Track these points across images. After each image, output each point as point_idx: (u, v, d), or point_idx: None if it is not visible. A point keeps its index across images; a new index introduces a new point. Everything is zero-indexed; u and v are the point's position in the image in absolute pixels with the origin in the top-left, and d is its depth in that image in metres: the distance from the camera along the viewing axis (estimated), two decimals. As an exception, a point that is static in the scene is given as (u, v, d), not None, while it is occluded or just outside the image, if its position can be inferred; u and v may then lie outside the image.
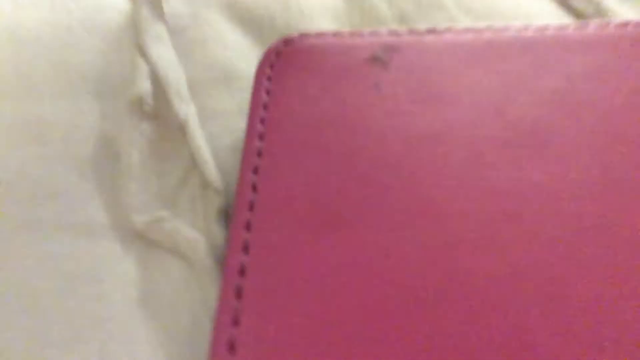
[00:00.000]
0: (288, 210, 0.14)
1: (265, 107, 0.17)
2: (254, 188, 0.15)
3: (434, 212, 0.14)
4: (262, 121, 0.16)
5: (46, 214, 0.16)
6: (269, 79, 0.17)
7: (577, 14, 0.23)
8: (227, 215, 0.17)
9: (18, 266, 0.15)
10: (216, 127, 0.18)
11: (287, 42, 0.18)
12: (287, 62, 0.18)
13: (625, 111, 0.16)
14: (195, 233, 0.16)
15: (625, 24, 0.18)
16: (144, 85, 0.19)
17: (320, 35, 0.18)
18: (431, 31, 0.18)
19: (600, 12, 0.23)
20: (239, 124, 0.18)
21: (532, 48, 0.18)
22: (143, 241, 0.16)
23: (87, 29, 0.21)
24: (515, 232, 0.14)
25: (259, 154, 0.15)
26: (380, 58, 0.17)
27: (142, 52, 0.19)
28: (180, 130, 0.18)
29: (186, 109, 0.18)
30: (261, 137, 0.16)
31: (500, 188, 0.15)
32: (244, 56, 0.20)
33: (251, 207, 0.14)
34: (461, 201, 0.15)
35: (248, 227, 0.14)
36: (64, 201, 0.17)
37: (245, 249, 0.14)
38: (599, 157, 0.15)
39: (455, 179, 0.15)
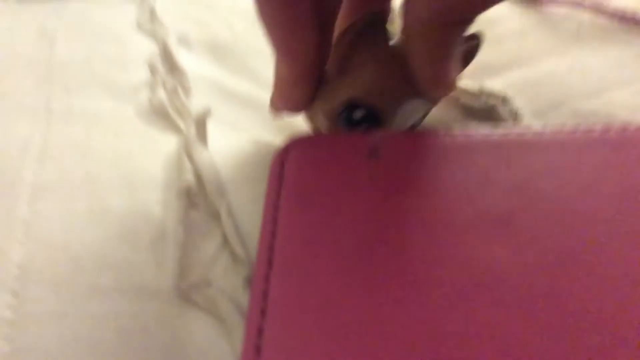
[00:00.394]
0: (299, 280, 0.17)
1: (277, 201, 0.20)
2: (269, 262, 0.18)
3: (419, 282, 0.17)
4: (276, 209, 0.20)
5: (107, 280, 0.20)
6: (280, 177, 0.20)
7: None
8: None
9: (86, 323, 0.19)
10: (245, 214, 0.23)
11: (296, 141, 0.21)
12: (294, 161, 0.21)
13: (576, 200, 0.19)
14: (226, 296, 0.20)
15: (575, 129, 0.21)
16: (190, 181, 0.23)
17: (323, 136, 0.22)
18: (415, 132, 0.22)
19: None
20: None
21: (498, 147, 0.21)
22: (185, 303, 0.20)
23: (141, 136, 0.26)
24: (480, 298, 0.17)
25: (273, 236, 0.19)
26: (374, 154, 0.20)
27: (189, 157, 0.24)
28: (215, 216, 0.22)
29: (220, 201, 0.22)
30: (274, 222, 0.19)
31: (471, 262, 0.18)
32: None
33: (267, 279, 0.18)
34: (438, 273, 0.18)
35: (265, 296, 0.17)
36: (122, 270, 0.20)
37: (263, 313, 0.17)
38: (554, 237, 0.18)
39: (434, 255, 0.18)
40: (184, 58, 0.30)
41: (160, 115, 0.27)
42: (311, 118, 0.23)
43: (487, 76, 0.30)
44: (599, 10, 0.34)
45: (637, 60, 0.30)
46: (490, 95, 0.29)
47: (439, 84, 0.20)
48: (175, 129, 0.26)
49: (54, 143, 0.26)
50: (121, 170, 0.24)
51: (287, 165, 0.21)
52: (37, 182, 0.24)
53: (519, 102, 0.29)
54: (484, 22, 0.21)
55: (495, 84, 0.29)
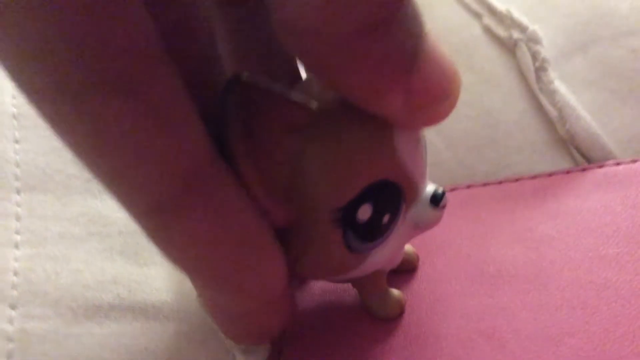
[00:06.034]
0: None
1: None
2: None
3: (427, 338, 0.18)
4: None
5: (109, 297, 0.20)
6: None
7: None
8: None
9: (88, 344, 0.19)
10: None
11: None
12: None
13: (581, 241, 0.19)
14: None
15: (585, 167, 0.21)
16: None
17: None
18: None
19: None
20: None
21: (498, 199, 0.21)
22: (188, 321, 0.20)
23: None
24: (486, 347, 0.17)
25: None
26: None
27: None
28: None
29: None
30: None
31: (478, 313, 0.18)
32: None
33: None
34: (446, 325, 0.18)
35: None
36: (124, 286, 0.20)
37: None
38: (553, 283, 0.18)
39: (444, 308, 0.18)
40: None
41: None
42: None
43: None
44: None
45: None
46: (517, 25, 0.27)
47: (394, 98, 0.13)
48: None
49: None
50: None
51: None
52: (21, 159, 0.22)
53: (543, 35, 0.26)
54: None
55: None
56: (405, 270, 0.19)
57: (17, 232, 0.20)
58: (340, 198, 0.14)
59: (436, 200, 0.16)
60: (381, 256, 0.16)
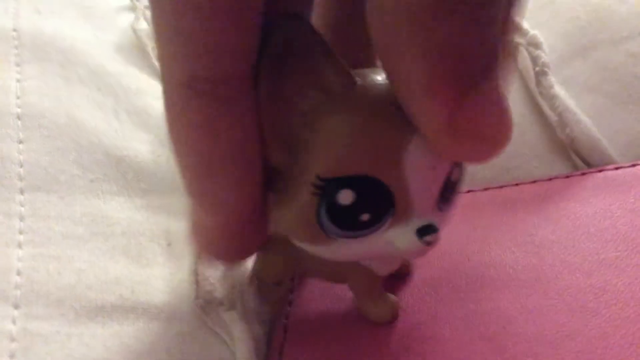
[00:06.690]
0: None
1: None
2: None
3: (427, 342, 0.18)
4: None
5: (112, 298, 0.20)
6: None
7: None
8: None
9: (91, 345, 0.19)
10: None
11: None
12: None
13: (580, 245, 0.19)
14: (237, 316, 0.19)
15: (585, 172, 0.21)
16: None
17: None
18: None
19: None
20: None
21: (497, 203, 0.21)
22: (189, 322, 0.20)
23: (137, 125, 0.24)
24: (487, 351, 0.17)
25: None
26: None
27: None
28: None
29: None
30: None
31: (478, 317, 0.18)
32: None
33: None
34: (446, 328, 0.18)
35: None
36: (126, 287, 0.20)
37: None
38: (552, 287, 0.18)
39: (444, 312, 0.18)
40: None
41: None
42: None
43: None
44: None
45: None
46: (518, 29, 0.27)
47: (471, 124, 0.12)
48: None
49: (31, 89, 0.24)
50: (113, 161, 0.23)
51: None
52: (25, 159, 0.22)
53: (543, 39, 0.26)
54: None
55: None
56: (401, 275, 0.19)
57: (21, 232, 0.21)
58: (327, 170, 0.14)
59: (423, 232, 0.15)
60: (354, 250, 0.16)
